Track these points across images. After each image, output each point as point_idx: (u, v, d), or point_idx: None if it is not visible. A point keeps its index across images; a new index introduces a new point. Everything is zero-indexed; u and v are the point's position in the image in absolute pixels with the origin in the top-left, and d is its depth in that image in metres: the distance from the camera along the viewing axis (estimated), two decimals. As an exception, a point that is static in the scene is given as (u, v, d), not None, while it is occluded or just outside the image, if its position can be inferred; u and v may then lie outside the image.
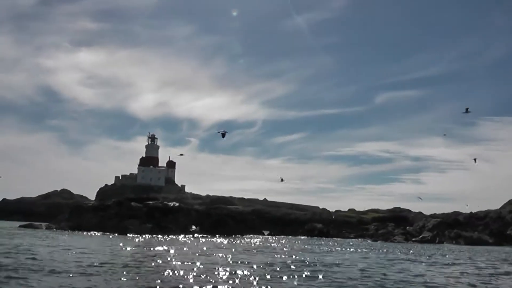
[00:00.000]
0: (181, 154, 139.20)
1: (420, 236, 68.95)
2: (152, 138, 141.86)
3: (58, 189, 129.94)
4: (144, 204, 60.58)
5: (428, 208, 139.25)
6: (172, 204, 63.64)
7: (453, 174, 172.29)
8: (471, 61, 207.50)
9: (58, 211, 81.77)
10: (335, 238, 71.43)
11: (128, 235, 50.23)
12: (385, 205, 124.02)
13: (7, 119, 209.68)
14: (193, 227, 59.77)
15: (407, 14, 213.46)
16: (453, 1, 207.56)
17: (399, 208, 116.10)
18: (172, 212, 61.15)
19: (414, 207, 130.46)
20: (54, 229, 55.57)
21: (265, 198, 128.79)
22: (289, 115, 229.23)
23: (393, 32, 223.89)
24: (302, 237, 70.41)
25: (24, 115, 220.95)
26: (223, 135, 45.98)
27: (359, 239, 71.92)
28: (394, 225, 78.98)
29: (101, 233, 51.40)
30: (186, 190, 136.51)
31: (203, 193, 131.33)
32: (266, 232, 74.12)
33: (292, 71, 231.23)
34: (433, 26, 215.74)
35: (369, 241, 67.72)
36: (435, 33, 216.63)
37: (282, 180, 66.24)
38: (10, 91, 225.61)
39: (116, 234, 50.15)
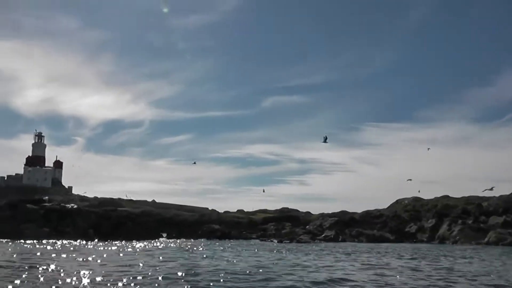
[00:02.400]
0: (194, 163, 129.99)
1: (323, 235, 69.83)
2: (39, 136, 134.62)
3: None
4: (41, 206, 58.29)
5: (314, 208, 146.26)
6: (70, 206, 61.82)
7: (337, 176, 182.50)
8: (355, 70, 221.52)
9: None
10: (241, 240, 67.44)
11: (25, 241, 48.13)
12: (271, 205, 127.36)
13: None
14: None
15: (296, 21, 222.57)
16: (340, 12, 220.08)
17: (287, 208, 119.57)
18: (70, 215, 59.44)
19: (301, 207, 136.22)
20: None
21: (153, 200, 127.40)
22: (176, 116, 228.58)
23: (281, 39, 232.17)
24: (203, 240, 67.31)
25: None
26: (325, 140, 51.63)
27: (266, 240, 67.03)
28: (292, 224, 78.65)
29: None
30: (73, 192, 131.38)
31: (90, 195, 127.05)
32: (164, 235, 72.30)
33: (178, 71, 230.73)
34: (319, 34, 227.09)
35: (275, 242, 62.57)
36: (321, 42, 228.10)
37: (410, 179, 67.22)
38: None
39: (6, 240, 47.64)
